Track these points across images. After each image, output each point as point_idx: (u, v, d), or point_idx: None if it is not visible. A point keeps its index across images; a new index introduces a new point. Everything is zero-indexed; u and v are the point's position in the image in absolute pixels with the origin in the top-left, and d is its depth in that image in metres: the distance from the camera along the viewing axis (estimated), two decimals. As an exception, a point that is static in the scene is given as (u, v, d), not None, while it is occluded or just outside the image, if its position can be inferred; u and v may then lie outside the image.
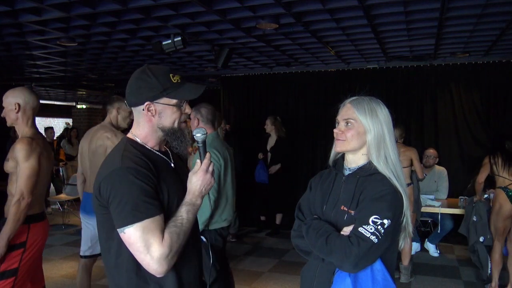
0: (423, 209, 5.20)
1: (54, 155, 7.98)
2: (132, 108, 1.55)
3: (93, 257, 3.51)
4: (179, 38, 4.31)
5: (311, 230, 1.59)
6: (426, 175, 5.19)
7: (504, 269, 4.21)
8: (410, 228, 1.64)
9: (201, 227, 1.78)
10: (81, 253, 3.50)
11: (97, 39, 4.80)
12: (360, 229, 1.48)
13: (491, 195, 4.20)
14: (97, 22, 4.06)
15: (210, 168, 1.54)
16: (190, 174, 1.55)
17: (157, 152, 1.56)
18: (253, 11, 3.72)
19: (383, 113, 1.64)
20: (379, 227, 1.47)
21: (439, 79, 6.15)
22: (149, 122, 1.52)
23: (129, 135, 1.57)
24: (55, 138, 8.75)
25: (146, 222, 1.35)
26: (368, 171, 1.61)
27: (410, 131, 6.17)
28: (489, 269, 4.28)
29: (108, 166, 1.44)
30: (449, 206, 5.32)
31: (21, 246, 2.53)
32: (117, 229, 1.38)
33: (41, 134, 2.73)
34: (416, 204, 4.72)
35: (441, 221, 5.33)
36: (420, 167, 4.63)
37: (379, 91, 6.04)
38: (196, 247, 1.63)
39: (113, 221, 1.39)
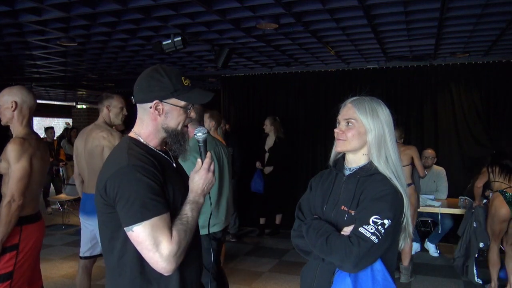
0: (423, 209, 5.21)
1: (54, 155, 8.00)
2: (137, 105, 1.56)
3: (93, 258, 3.49)
4: (179, 38, 4.31)
5: (311, 230, 1.59)
6: (426, 173, 5.21)
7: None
8: (410, 228, 1.64)
9: (202, 231, 1.76)
10: (81, 254, 3.48)
11: (97, 39, 4.80)
12: (361, 229, 1.48)
13: (491, 194, 4.24)
14: (97, 22, 4.06)
15: (212, 167, 1.56)
16: (192, 173, 1.56)
17: (160, 152, 1.57)
18: (253, 11, 3.72)
19: (384, 113, 1.64)
20: (379, 227, 1.48)
21: (439, 79, 6.14)
22: (154, 120, 1.53)
23: (132, 134, 1.57)
24: (55, 138, 8.75)
25: (155, 220, 1.35)
26: (368, 171, 1.62)
27: (410, 131, 6.16)
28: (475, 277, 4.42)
29: (113, 165, 1.44)
30: (449, 206, 5.33)
31: (13, 249, 2.46)
32: (125, 228, 1.37)
33: (35, 134, 2.66)
34: (417, 203, 4.75)
35: (441, 221, 5.33)
36: (421, 165, 4.69)
37: (379, 91, 6.05)
38: (197, 247, 1.63)
39: (120, 219, 1.39)
